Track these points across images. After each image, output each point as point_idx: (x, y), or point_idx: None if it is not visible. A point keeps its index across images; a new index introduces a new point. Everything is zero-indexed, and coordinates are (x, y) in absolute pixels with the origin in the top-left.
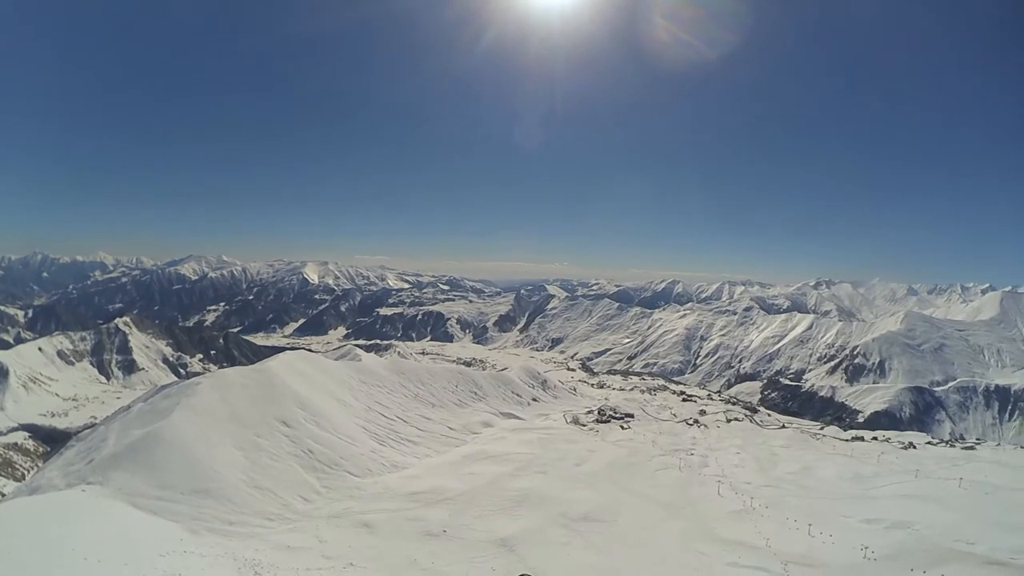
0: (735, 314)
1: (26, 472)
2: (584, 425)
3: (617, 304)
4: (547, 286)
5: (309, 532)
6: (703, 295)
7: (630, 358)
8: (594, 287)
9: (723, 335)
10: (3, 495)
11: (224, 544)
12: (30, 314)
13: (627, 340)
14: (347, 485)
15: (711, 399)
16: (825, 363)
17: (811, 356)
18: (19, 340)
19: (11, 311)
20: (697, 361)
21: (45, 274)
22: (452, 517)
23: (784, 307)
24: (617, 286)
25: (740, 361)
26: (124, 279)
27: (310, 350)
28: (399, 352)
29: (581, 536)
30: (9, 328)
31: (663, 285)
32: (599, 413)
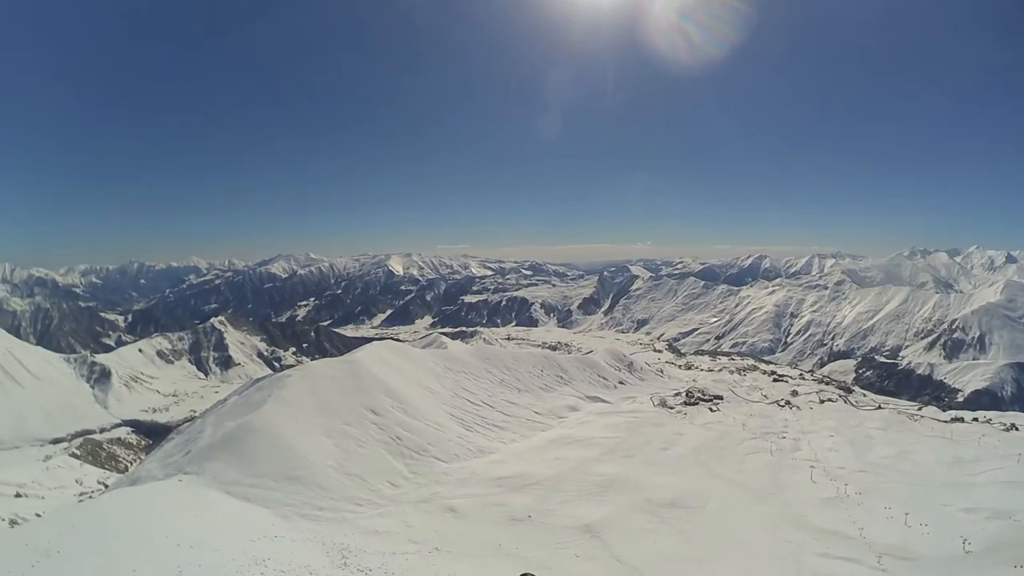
0: (826, 289)
1: (129, 465)
2: (671, 408)
3: (703, 282)
4: (630, 267)
5: (396, 517)
6: (792, 270)
7: (718, 338)
8: (678, 266)
9: (814, 311)
10: (106, 486)
11: (314, 529)
12: (129, 319)
13: (714, 319)
14: (434, 471)
15: (803, 379)
16: (922, 339)
17: (907, 331)
18: (120, 343)
19: (111, 317)
20: (788, 339)
21: (142, 281)
22: (537, 502)
23: (877, 280)
24: (702, 264)
25: (833, 338)
26: (217, 281)
27: (397, 340)
28: (484, 338)
29: (667, 523)
30: (110, 333)
31: (750, 261)
32: (687, 395)
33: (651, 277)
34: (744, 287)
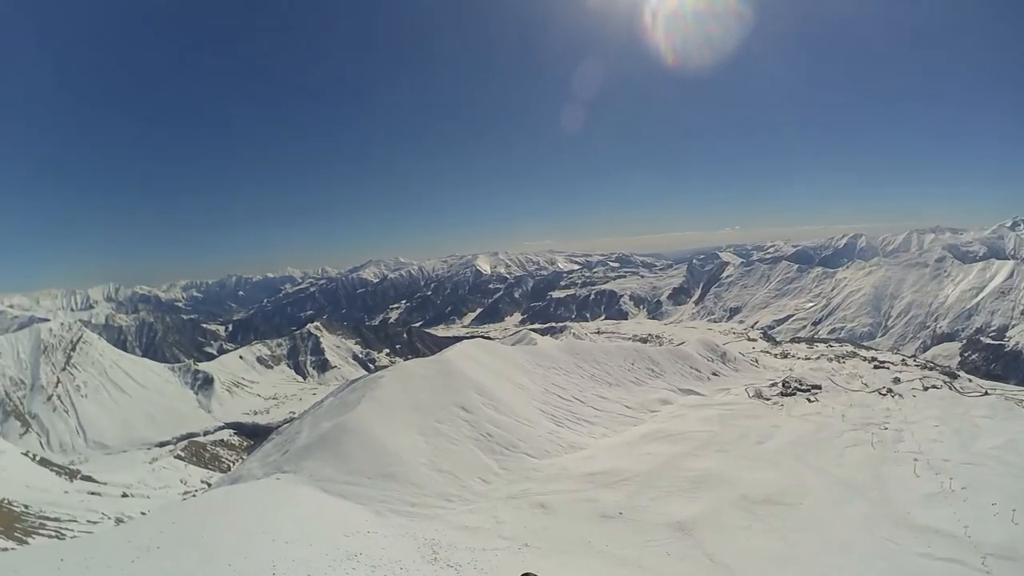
0: (926, 266)
1: (231, 465)
2: (767, 399)
3: (796, 266)
4: (720, 253)
5: (487, 513)
6: (889, 248)
7: (814, 324)
8: (770, 250)
9: (915, 291)
10: (209, 485)
11: (406, 525)
12: (230, 328)
13: (810, 304)
14: (524, 467)
15: (905, 365)
16: None
17: (1014, 309)
18: (221, 351)
19: (213, 327)
20: (888, 323)
21: (241, 292)
22: (628, 499)
23: (980, 254)
24: (794, 246)
25: (935, 320)
26: (312, 288)
27: (488, 337)
28: (574, 333)
29: (761, 520)
30: (212, 342)
31: (844, 240)
32: (783, 385)
33: (742, 263)
34: (840, 269)
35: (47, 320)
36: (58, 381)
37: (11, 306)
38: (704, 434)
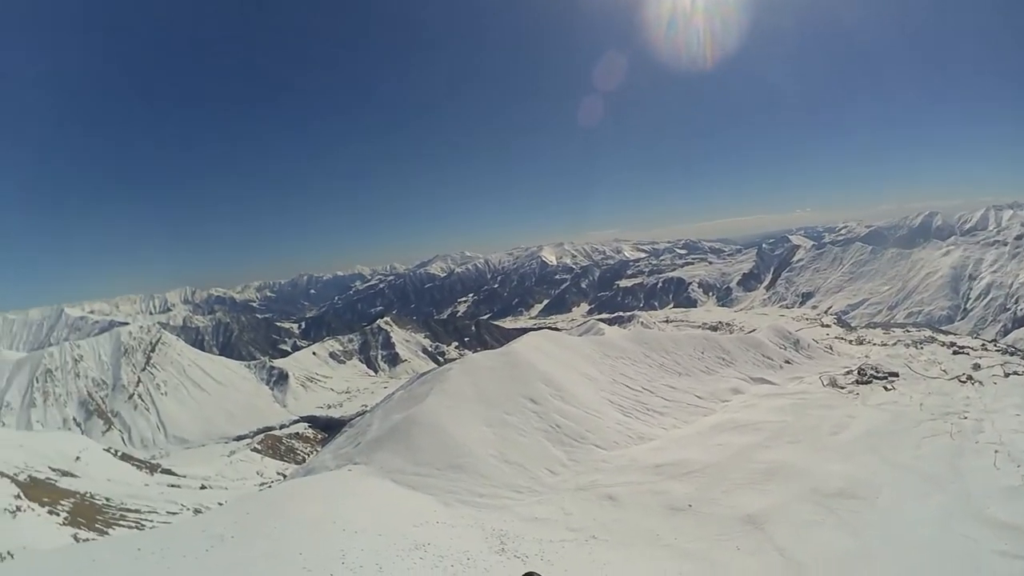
0: (1005, 245)
1: (306, 457)
2: (842, 387)
3: (870, 247)
4: (790, 237)
5: (555, 504)
6: (966, 226)
7: (890, 308)
8: (842, 231)
9: (994, 271)
10: (284, 477)
11: (474, 515)
12: (303, 326)
13: (885, 287)
14: (593, 458)
15: (985, 350)
16: None
17: None
18: (295, 348)
19: (286, 325)
20: (967, 305)
21: (312, 291)
22: (697, 491)
23: None
24: (868, 227)
25: (1016, 302)
26: (381, 285)
27: (555, 328)
28: (642, 322)
29: (834, 514)
30: (286, 339)
31: (919, 219)
32: (859, 373)
33: (813, 246)
34: (915, 249)
35: (126, 324)
36: (139, 380)
37: (92, 312)
38: (776, 424)
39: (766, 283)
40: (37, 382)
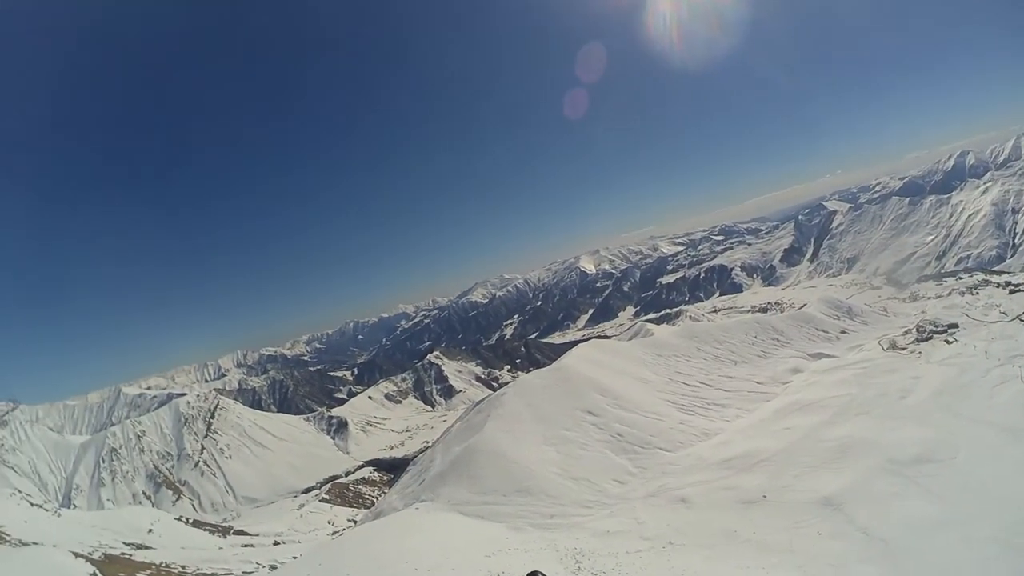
0: None
1: (374, 500)
2: (903, 349)
3: (907, 199)
4: (825, 203)
5: (626, 515)
6: (1000, 159)
7: (938, 258)
8: (876, 188)
9: None
10: (355, 522)
11: (546, 537)
12: (355, 372)
13: (929, 238)
14: (659, 462)
15: None
16: None
17: None
18: (351, 395)
19: (339, 374)
20: (1015, 240)
21: (360, 336)
22: (769, 480)
23: None
24: (901, 179)
25: None
26: (426, 320)
27: (603, 337)
28: (690, 316)
29: (914, 483)
30: (341, 387)
31: (951, 161)
32: (917, 331)
33: (850, 208)
34: (953, 193)
35: (184, 394)
36: (202, 448)
37: (148, 388)
38: (842, 398)
39: (808, 255)
40: (103, 462)
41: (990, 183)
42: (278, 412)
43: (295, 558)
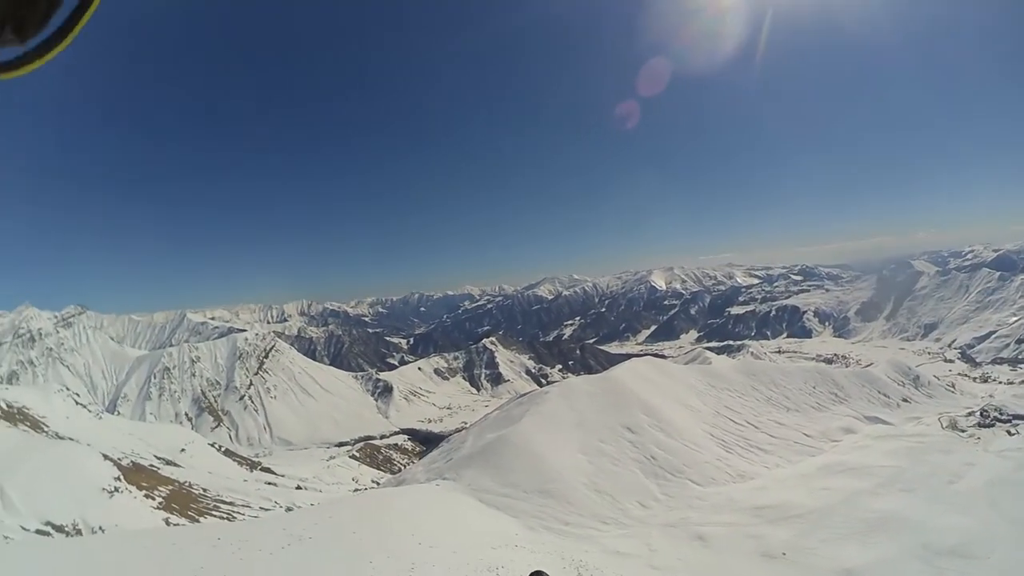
0: None
1: (402, 467)
2: (963, 430)
3: (998, 273)
4: (912, 262)
5: (641, 539)
6: None
7: (1018, 341)
8: (968, 256)
9: None
10: (378, 484)
11: (556, 543)
12: (411, 342)
13: (1014, 318)
14: (687, 494)
15: None
16: None
17: None
18: (403, 363)
19: (396, 340)
20: None
21: (422, 309)
22: (796, 538)
23: None
24: (995, 251)
25: None
26: (489, 305)
27: (662, 356)
28: (752, 352)
29: (943, 575)
30: (394, 354)
31: None
32: (981, 415)
33: (937, 272)
34: None
35: (244, 331)
36: (250, 383)
37: (212, 318)
38: (889, 469)
39: (886, 313)
40: (155, 378)
41: None
42: (330, 365)
43: (311, 505)
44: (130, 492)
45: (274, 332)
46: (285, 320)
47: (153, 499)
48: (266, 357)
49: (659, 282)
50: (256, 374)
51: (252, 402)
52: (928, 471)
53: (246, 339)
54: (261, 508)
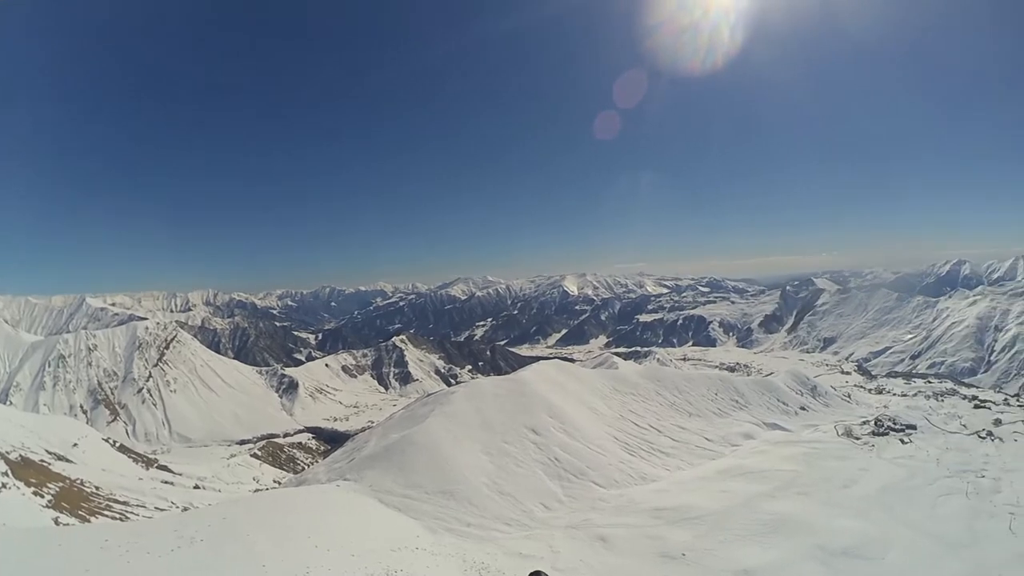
0: None
1: (306, 467)
2: (857, 438)
3: (896, 294)
4: (815, 280)
5: (544, 541)
6: (994, 276)
7: (913, 357)
8: (868, 276)
9: (1021, 323)
10: (279, 484)
11: (458, 545)
12: (320, 337)
13: (909, 336)
14: (590, 496)
15: (1008, 404)
16: None
17: None
18: (310, 359)
19: (304, 335)
20: (991, 357)
21: (333, 304)
22: (695, 539)
23: None
24: (894, 273)
25: None
26: (401, 303)
27: (569, 359)
28: (658, 359)
29: (838, 575)
30: (302, 349)
31: (947, 268)
32: (875, 424)
33: (838, 290)
34: (942, 298)
35: (145, 319)
36: (149, 375)
37: (113, 304)
38: (786, 473)
39: (788, 326)
40: (49, 366)
41: (980, 297)
42: (234, 359)
43: (208, 505)
44: (18, 488)
45: (177, 322)
46: (189, 309)
47: (42, 496)
48: (167, 348)
49: (572, 287)
50: (156, 366)
51: (151, 395)
52: (824, 476)
53: (147, 328)
54: (157, 508)
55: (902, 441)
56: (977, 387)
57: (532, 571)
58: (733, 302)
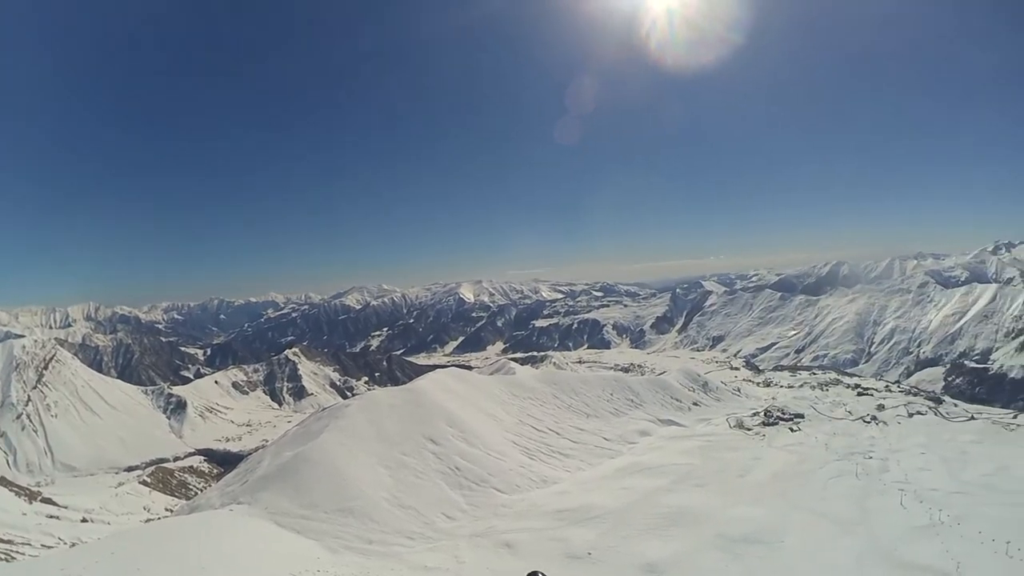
0: (909, 292)
1: (198, 492)
2: (749, 429)
3: (779, 294)
4: (703, 282)
5: (448, 552)
6: (872, 275)
7: (797, 351)
8: (753, 278)
9: (898, 317)
10: (171, 512)
11: (361, 563)
12: (209, 352)
13: (793, 332)
14: (493, 502)
15: (889, 391)
16: (1013, 338)
17: (997, 332)
18: (199, 376)
19: (191, 351)
20: (871, 349)
21: (222, 316)
22: (598, 538)
23: (962, 279)
24: (778, 275)
25: (919, 345)
26: (294, 314)
27: (467, 367)
28: (555, 363)
29: (740, 561)
30: (190, 365)
31: (827, 268)
32: (765, 415)
33: (725, 292)
34: (823, 296)
35: (22, 336)
36: (28, 399)
37: None
38: (683, 467)
39: (678, 327)
40: None
41: (858, 294)
42: (118, 378)
43: (97, 540)
44: None
45: (56, 339)
46: (69, 325)
47: None
48: (46, 368)
49: (468, 294)
50: (35, 388)
51: (31, 421)
52: (719, 467)
53: (24, 346)
54: (43, 545)
55: (791, 429)
56: (859, 376)
57: (530, 571)
58: (626, 305)
